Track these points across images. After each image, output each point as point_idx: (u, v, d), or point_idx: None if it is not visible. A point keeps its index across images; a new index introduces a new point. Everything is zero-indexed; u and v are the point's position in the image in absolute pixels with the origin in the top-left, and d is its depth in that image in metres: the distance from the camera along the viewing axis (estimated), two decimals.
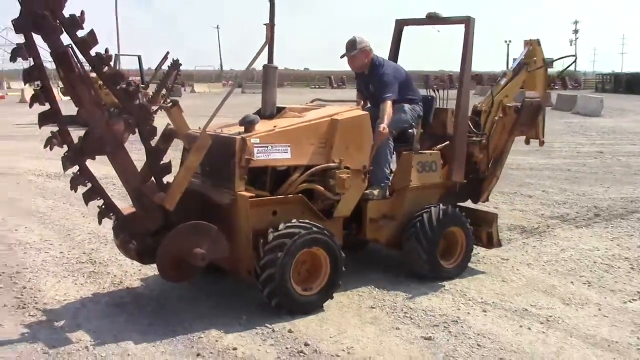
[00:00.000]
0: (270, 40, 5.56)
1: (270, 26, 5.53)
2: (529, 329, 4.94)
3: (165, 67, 20.20)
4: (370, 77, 6.18)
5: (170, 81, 17.80)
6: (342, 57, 6.15)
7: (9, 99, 42.78)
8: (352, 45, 6.04)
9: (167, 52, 19.40)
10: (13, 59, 4.31)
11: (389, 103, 5.86)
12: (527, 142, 7.59)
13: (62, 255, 6.79)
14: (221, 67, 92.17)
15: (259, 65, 5.79)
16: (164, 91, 16.55)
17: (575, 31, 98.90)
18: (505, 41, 63.28)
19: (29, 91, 43.01)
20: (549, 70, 7.54)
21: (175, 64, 19.60)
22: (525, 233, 7.87)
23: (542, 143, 7.52)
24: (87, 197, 4.94)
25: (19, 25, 4.24)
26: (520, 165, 13.32)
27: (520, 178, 11.83)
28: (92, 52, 4.52)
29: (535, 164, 13.63)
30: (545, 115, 7.41)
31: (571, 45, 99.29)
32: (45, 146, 4.71)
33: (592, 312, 5.31)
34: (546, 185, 11.19)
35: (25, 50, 4.30)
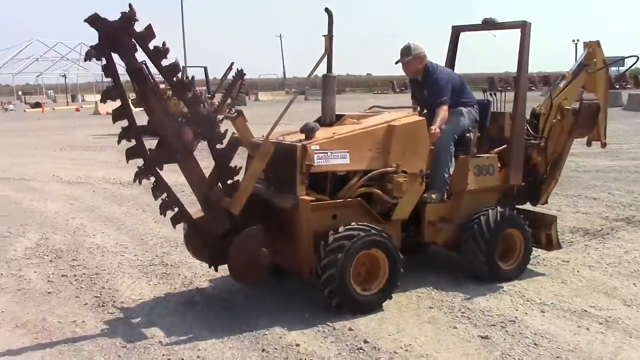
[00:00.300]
0: (329, 51, 5.79)
1: (329, 38, 5.76)
2: (588, 329, 4.98)
3: (230, 77, 20.87)
4: (424, 82, 6.33)
5: (235, 90, 18.40)
6: (396, 63, 6.32)
7: (83, 111, 44.81)
8: (406, 51, 6.21)
9: (232, 63, 19.90)
10: (88, 58, 4.66)
11: (444, 107, 6.00)
12: (588, 144, 7.58)
13: (136, 258, 7.22)
14: (284, 75, 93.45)
15: (320, 74, 6.04)
16: (229, 100, 17.10)
17: None
18: (573, 40, 61.41)
19: (102, 104, 44.96)
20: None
21: (240, 73, 20.18)
22: (588, 235, 7.82)
23: (604, 145, 7.48)
24: (164, 208, 5.27)
25: (99, 50, 4.59)
26: (587, 167, 13.10)
27: (585, 180, 11.65)
28: (151, 46, 4.75)
29: (602, 166, 13.36)
30: (607, 117, 7.40)
31: None
32: (134, 180, 5.08)
33: None
34: (612, 187, 10.99)
35: (104, 70, 4.70)
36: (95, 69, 77.27)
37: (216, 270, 5.84)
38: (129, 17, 4.55)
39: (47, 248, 7.68)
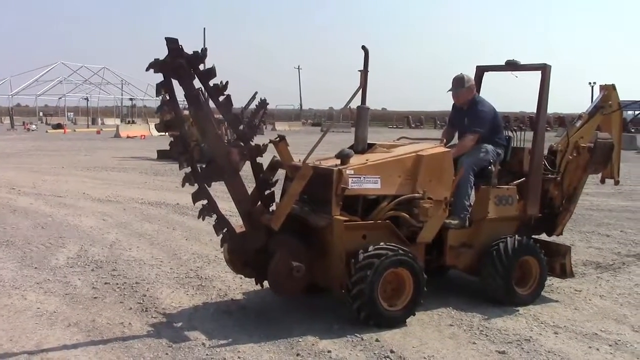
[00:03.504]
0: (363, 85, 6.32)
1: (364, 73, 6.30)
2: (598, 349, 5.36)
3: (253, 105, 21.53)
4: (469, 112, 6.80)
5: (257, 119, 18.99)
6: (448, 91, 6.81)
7: (103, 134, 45.70)
8: (460, 82, 6.71)
9: (256, 92, 20.62)
10: (158, 93, 5.22)
11: (472, 137, 6.48)
12: (602, 181, 8.01)
13: (172, 270, 7.68)
14: (301, 107, 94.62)
15: (337, 106, 6.59)
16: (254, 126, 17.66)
17: None
18: (589, 83, 62.07)
19: (123, 127, 46.03)
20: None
21: (263, 103, 20.83)
22: (600, 268, 8.19)
23: (617, 182, 7.92)
24: (203, 213, 5.80)
25: (165, 86, 5.14)
26: (600, 206, 13.45)
27: (599, 218, 12.02)
28: (211, 83, 5.35)
29: (616, 206, 13.71)
30: (620, 156, 7.83)
31: None
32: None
33: None
34: (625, 226, 11.35)
35: (166, 105, 5.25)
36: (116, 93, 79.10)
37: (258, 284, 6.31)
38: (201, 57, 5.16)
39: (87, 259, 8.16)
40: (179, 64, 5.06)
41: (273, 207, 5.90)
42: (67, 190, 14.79)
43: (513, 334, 5.68)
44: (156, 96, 5.32)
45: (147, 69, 5.14)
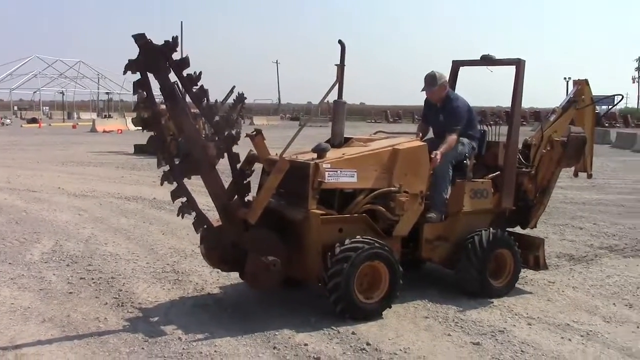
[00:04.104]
0: (340, 79, 6.34)
1: (341, 67, 6.32)
2: (570, 340, 5.46)
3: (230, 100, 21.47)
4: (443, 108, 6.81)
5: (235, 113, 18.94)
6: (422, 90, 6.83)
7: (79, 128, 45.22)
8: (432, 80, 6.71)
9: (233, 87, 20.57)
10: (135, 92, 5.20)
11: (455, 135, 6.52)
12: (575, 174, 8.14)
13: (148, 265, 7.64)
14: (279, 101, 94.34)
15: (315, 100, 6.62)
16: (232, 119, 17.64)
17: (638, 68, 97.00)
18: (564, 78, 62.82)
19: (99, 122, 45.55)
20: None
21: (240, 97, 20.79)
22: (573, 261, 8.32)
23: (589, 176, 8.04)
24: (182, 210, 5.76)
25: (137, 64, 5.10)
26: (574, 199, 13.64)
27: (572, 211, 12.19)
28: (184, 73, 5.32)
29: (589, 199, 13.91)
30: (593, 150, 7.95)
31: (634, 82, 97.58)
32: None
33: (631, 329, 5.78)
34: (597, 218, 11.53)
35: (144, 103, 5.23)
36: (92, 87, 78.21)
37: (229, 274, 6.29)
38: (172, 46, 5.10)
39: (63, 254, 8.09)
40: (153, 60, 5.04)
41: (249, 198, 5.91)
42: (42, 185, 14.61)
43: (487, 325, 5.76)
44: (133, 94, 5.29)
45: (125, 72, 5.16)
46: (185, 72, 5.27)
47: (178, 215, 5.83)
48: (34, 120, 52.80)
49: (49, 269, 7.38)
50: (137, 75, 5.16)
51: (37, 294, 6.42)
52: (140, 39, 5.03)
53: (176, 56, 5.22)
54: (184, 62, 5.22)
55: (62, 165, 19.55)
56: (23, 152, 24.09)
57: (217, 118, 5.52)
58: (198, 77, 5.29)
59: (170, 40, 5.14)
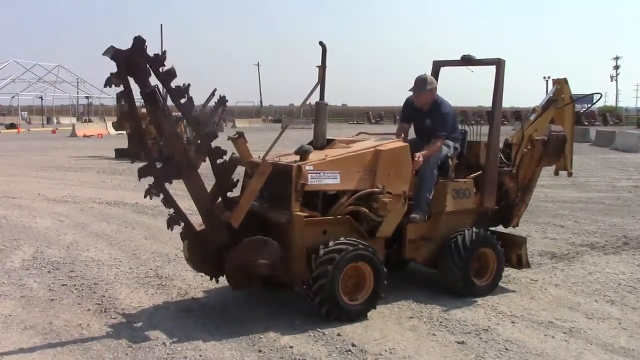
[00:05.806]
0: (321, 80, 6.34)
1: (322, 68, 6.31)
2: (553, 337, 5.51)
3: (212, 103, 21.43)
4: (430, 113, 6.81)
5: (217, 116, 18.87)
6: (410, 90, 6.82)
7: (59, 133, 44.75)
8: (423, 83, 6.69)
9: (215, 89, 20.45)
10: (108, 84, 5.14)
11: (440, 141, 6.56)
12: (556, 173, 8.21)
13: (131, 270, 7.58)
14: (261, 103, 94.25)
15: (297, 102, 6.61)
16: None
17: (616, 67, 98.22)
18: (544, 77, 63.42)
19: (79, 126, 45.14)
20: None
21: (222, 100, 20.70)
22: (555, 258, 8.40)
23: (570, 174, 8.13)
24: (171, 222, 5.72)
25: (118, 77, 5.06)
26: (555, 198, 13.77)
27: (553, 210, 12.30)
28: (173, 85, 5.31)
29: (570, 197, 14.04)
30: (573, 148, 8.03)
31: (612, 81, 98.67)
32: (145, 196, 5.52)
33: (613, 325, 5.84)
34: (579, 216, 11.64)
35: (122, 98, 5.19)
36: (71, 91, 77.50)
37: (217, 281, 6.27)
38: (141, 40, 5.07)
39: (44, 260, 8.00)
40: (133, 57, 5.00)
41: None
42: (21, 190, 14.44)
43: (472, 324, 5.78)
44: (104, 86, 5.23)
45: (105, 86, 5.12)
46: (173, 84, 5.25)
47: (168, 228, 5.78)
48: (12, 126, 52.18)
49: (30, 276, 7.30)
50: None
51: (18, 302, 6.34)
52: (109, 52, 4.99)
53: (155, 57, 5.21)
54: (171, 74, 5.22)
55: (42, 170, 19.34)
56: (2, 158, 23.79)
57: (194, 114, 5.48)
58: (186, 89, 5.31)
59: (160, 53, 5.18)
